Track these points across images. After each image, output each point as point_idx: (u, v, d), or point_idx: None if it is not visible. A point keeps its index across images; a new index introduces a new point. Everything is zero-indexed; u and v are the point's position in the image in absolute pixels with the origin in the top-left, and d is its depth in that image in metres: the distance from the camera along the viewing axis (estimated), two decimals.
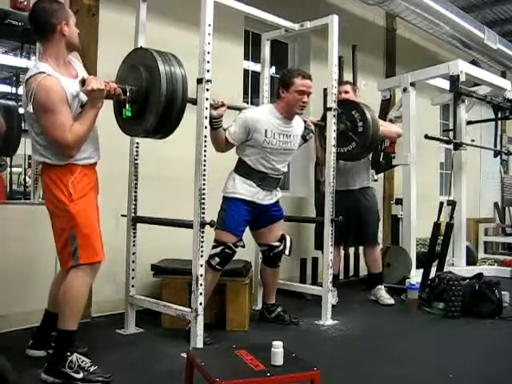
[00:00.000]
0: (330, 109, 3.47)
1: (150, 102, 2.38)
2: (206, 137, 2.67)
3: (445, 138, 4.75)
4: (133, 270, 3.03)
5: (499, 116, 5.15)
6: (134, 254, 3.03)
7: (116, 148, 3.00)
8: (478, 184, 7.66)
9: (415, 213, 4.61)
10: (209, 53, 2.67)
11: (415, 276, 4.37)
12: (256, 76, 4.43)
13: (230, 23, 3.93)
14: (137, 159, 3.04)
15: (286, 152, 3.19)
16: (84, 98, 2.27)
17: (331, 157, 3.47)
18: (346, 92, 4.01)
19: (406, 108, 4.63)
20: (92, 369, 2.27)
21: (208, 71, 2.67)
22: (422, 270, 4.17)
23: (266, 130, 3.06)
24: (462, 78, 4.27)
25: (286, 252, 3.30)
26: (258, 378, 1.68)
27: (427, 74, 4.61)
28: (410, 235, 4.57)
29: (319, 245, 3.91)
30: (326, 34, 3.51)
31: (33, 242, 3.03)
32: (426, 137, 4.27)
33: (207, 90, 2.67)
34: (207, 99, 2.68)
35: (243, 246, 3.10)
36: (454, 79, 4.28)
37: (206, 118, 2.68)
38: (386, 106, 4.89)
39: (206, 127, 2.68)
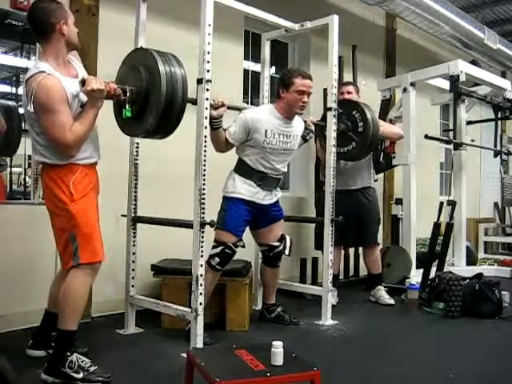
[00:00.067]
0: (330, 109, 3.47)
1: (150, 103, 2.38)
2: (205, 137, 2.67)
3: (445, 138, 4.75)
4: (133, 270, 3.03)
5: (499, 116, 5.15)
6: (134, 254, 3.03)
7: (116, 148, 3.00)
8: (478, 184, 7.66)
9: (415, 213, 4.61)
10: (209, 53, 2.67)
11: (415, 276, 4.37)
12: (256, 76, 4.43)
13: (229, 23, 3.93)
14: (137, 159, 3.04)
15: (285, 152, 3.19)
16: (84, 98, 2.27)
17: (331, 157, 3.47)
18: (349, 92, 4.02)
19: (405, 108, 4.63)
20: (92, 369, 2.27)
21: (208, 71, 2.67)
22: (422, 270, 4.18)
23: (266, 130, 3.06)
24: (462, 78, 4.27)
25: (286, 252, 3.30)
26: (258, 378, 1.68)
27: (427, 74, 4.61)
28: (410, 235, 4.57)
29: (319, 245, 3.91)
30: (326, 33, 3.51)
31: (33, 242, 3.03)
32: (426, 137, 4.27)
33: (207, 90, 2.67)
34: (207, 99, 2.68)
35: (243, 246, 3.10)
36: (453, 79, 4.28)
37: (206, 118, 2.68)
38: (386, 106, 4.89)
39: (205, 127, 2.68)
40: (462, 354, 2.86)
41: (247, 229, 3.21)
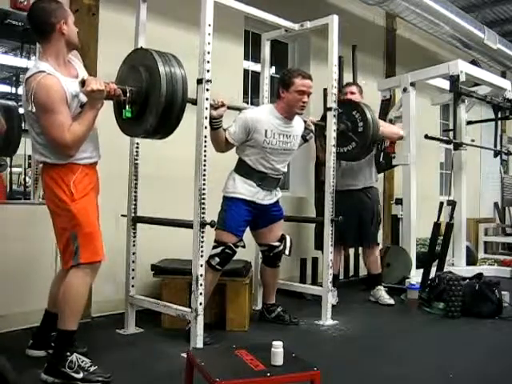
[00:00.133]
0: (330, 109, 3.47)
1: (150, 103, 2.38)
2: (206, 137, 2.67)
3: (445, 138, 4.75)
4: (133, 270, 3.03)
5: (499, 116, 5.15)
6: (134, 254, 3.03)
7: (116, 148, 3.00)
8: (478, 184, 7.66)
9: (415, 213, 4.61)
10: (209, 53, 2.67)
11: (415, 276, 4.37)
12: (256, 76, 4.43)
13: (229, 23, 3.93)
14: (137, 159, 3.04)
15: (285, 152, 3.19)
16: (84, 98, 2.27)
17: (331, 157, 3.47)
18: (352, 93, 4.03)
19: (405, 108, 4.63)
20: (92, 369, 2.27)
21: (208, 71, 2.67)
22: (422, 270, 4.17)
23: (266, 130, 3.06)
24: (462, 78, 4.27)
25: (286, 252, 3.30)
26: (258, 378, 1.68)
27: (427, 74, 4.61)
28: (410, 235, 4.57)
29: (319, 245, 3.91)
30: (326, 33, 3.51)
31: (33, 242, 3.03)
32: (426, 137, 4.27)
33: (207, 90, 2.67)
34: (207, 99, 2.68)
35: (243, 246, 3.10)
36: (453, 79, 4.28)
37: (205, 118, 2.68)
38: (386, 106, 4.89)
39: (205, 127, 2.68)
40: (462, 354, 2.86)
41: (247, 229, 3.21)
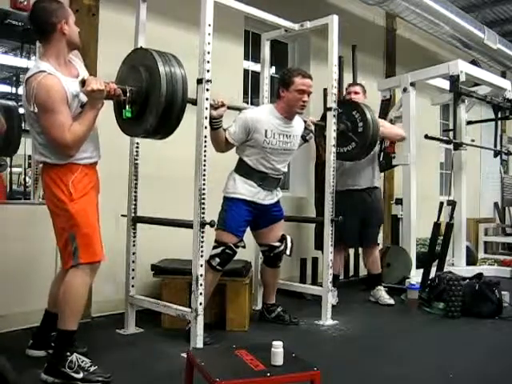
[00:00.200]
0: (329, 109, 3.47)
1: (150, 103, 2.38)
2: (205, 137, 2.67)
3: (445, 138, 4.75)
4: (133, 270, 3.03)
5: (499, 116, 5.15)
6: (134, 254, 3.03)
7: (116, 148, 3.00)
8: (478, 184, 7.66)
9: (415, 213, 4.61)
10: (209, 53, 2.67)
11: (415, 276, 4.37)
12: (256, 76, 4.42)
13: (230, 23, 3.93)
14: (137, 159, 3.04)
15: (286, 152, 3.19)
16: (84, 98, 2.27)
17: (331, 157, 3.47)
18: (356, 93, 4.03)
19: (405, 108, 4.63)
20: (92, 369, 2.27)
21: (208, 71, 2.67)
22: (422, 270, 4.17)
23: (266, 130, 3.06)
24: (462, 78, 4.27)
25: (287, 252, 3.29)
26: (258, 378, 1.68)
27: (427, 74, 4.61)
28: (410, 235, 4.57)
29: (319, 245, 3.91)
30: (325, 33, 3.51)
31: (33, 242, 3.03)
32: (426, 137, 4.27)
33: (207, 90, 2.67)
34: (207, 99, 2.68)
35: (244, 247, 3.10)
36: (453, 79, 4.28)
37: (206, 118, 2.68)
38: (386, 106, 4.89)
39: (206, 127, 2.68)
40: (462, 354, 2.86)
41: (248, 229, 3.21)
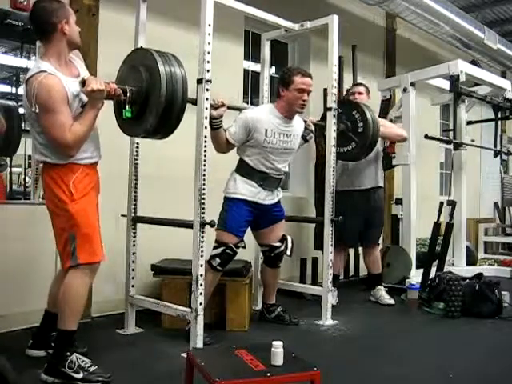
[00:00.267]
0: (329, 109, 3.47)
1: (150, 103, 2.38)
2: (205, 137, 2.67)
3: (445, 138, 4.75)
4: (133, 270, 3.03)
5: (499, 116, 5.16)
6: (134, 254, 3.03)
7: (116, 148, 3.00)
8: (478, 184, 7.66)
9: (415, 213, 4.61)
10: (209, 53, 2.67)
11: (415, 276, 4.37)
12: (256, 76, 4.42)
13: (230, 23, 3.93)
14: (137, 159, 3.04)
15: (286, 152, 3.19)
16: (85, 98, 2.27)
17: (331, 157, 3.47)
18: (360, 93, 4.04)
19: (405, 108, 4.63)
20: (92, 369, 2.27)
21: (208, 71, 2.67)
22: (422, 270, 4.18)
23: (266, 130, 3.06)
24: (462, 78, 4.28)
25: (288, 252, 3.29)
26: (258, 378, 1.68)
27: (427, 74, 4.61)
28: (410, 235, 4.57)
29: (319, 245, 3.91)
30: (326, 33, 3.51)
31: (33, 242, 3.03)
32: (426, 137, 4.27)
33: (207, 90, 2.67)
34: (207, 99, 2.68)
35: (244, 247, 3.10)
36: (454, 79, 4.28)
37: (206, 118, 2.68)
38: (386, 106, 4.89)
39: (206, 127, 2.68)
40: (462, 354, 2.86)
41: (248, 229, 3.21)
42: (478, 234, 7.13)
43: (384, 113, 4.80)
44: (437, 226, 4.29)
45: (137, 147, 3.03)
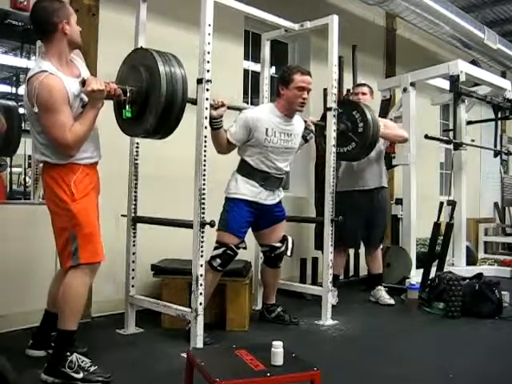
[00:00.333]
0: (330, 109, 3.47)
1: (150, 103, 2.38)
2: (205, 137, 2.67)
3: (445, 138, 4.75)
4: (133, 270, 3.03)
5: (499, 116, 5.16)
6: (134, 254, 3.03)
7: (116, 148, 3.00)
8: (478, 184, 7.67)
9: (415, 213, 4.61)
10: (209, 53, 2.67)
11: (415, 276, 4.37)
12: (256, 76, 4.42)
13: (230, 23, 3.93)
14: (137, 159, 3.04)
15: (287, 151, 3.18)
16: (86, 98, 2.27)
17: (331, 157, 3.47)
18: (364, 93, 4.03)
19: (405, 108, 4.63)
20: (92, 369, 2.27)
21: (208, 71, 2.67)
22: (422, 270, 4.18)
23: (266, 129, 3.06)
24: (462, 78, 4.28)
25: (288, 253, 3.29)
26: (258, 378, 1.68)
27: (427, 74, 4.62)
28: (410, 235, 4.57)
29: (319, 245, 3.91)
30: (326, 33, 3.51)
31: (33, 242, 3.03)
32: (426, 137, 4.27)
33: (207, 90, 2.67)
34: (207, 99, 2.68)
35: (245, 248, 3.10)
36: (454, 79, 4.28)
37: (206, 118, 2.68)
38: (386, 106, 4.89)
39: (206, 127, 2.68)
40: (462, 354, 2.86)
41: (249, 229, 3.20)
42: (478, 233, 7.13)
43: (384, 113, 4.80)
44: (437, 225, 4.29)
45: (137, 147, 3.03)
